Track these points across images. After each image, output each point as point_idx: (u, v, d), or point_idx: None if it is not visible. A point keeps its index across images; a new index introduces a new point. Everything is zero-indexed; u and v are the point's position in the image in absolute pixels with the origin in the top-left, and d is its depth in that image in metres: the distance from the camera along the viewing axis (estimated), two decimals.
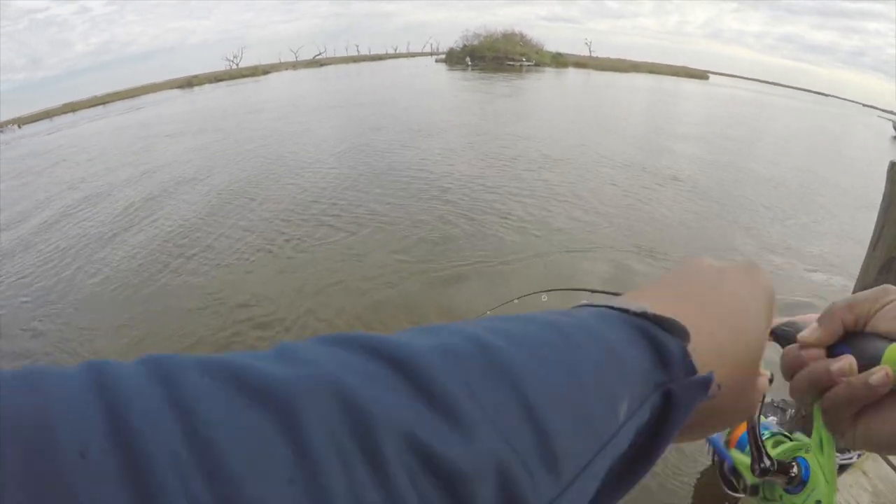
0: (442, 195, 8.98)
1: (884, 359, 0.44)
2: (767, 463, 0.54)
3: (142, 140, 19.25)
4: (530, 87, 31.39)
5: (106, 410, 0.18)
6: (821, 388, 0.49)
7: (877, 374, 0.43)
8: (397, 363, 0.24)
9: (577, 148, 12.78)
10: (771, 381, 0.50)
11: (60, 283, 7.15)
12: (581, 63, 52.94)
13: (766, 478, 0.55)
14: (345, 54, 70.57)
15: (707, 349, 0.38)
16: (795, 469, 0.54)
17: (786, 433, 0.60)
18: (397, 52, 74.24)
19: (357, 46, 72.67)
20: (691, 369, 0.35)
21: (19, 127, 40.98)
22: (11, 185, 15.00)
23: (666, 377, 0.34)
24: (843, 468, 2.17)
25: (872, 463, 2.19)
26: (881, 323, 0.47)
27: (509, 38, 52.10)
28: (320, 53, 68.47)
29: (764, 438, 0.58)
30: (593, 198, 8.83)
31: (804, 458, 0.53)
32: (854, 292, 0.78)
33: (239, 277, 6.65)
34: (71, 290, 6.98)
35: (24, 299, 6.91)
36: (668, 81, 43.51)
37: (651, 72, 51.57)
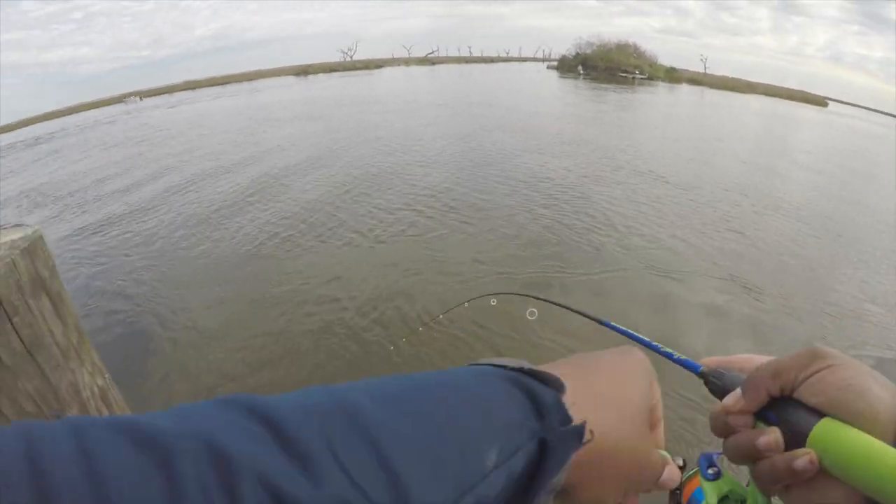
0: (540, 200, 9.07)
1: (809, 440, 0.44)
2: None
3: (257, 122, 20.40)
4: (642, 100, 30.56)
5: (27, 458, 0.22)
6: (749, 457, 0.49)
7: (801, 460, 0.44)
8: (266, 420, 0.29)
9: (683, 167, 12.47)
10: (682, 468, 0.53)
11: (164, 254, 7.63)
12: (695, 79, 50.94)
13: None
14: (456, 54, 71.39)
15: (585, 399, 0.40)
16: None
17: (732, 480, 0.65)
18: (509, 55, 73.94)
19: (469, 47, 73.21)
20: (566, 419, 0.37)
21: (140, 99, 44.69)
22: (130, 153, 16.38)
23: (540, 426, 0.36)
24: None
25: None
26: (808, 394, 0.47)
27: (623, 48, 51.03)
28: (432, 52, 69.59)
29: (710, 482, 0.64)
30: (694, 218, 8.70)
31: None
32: None
33: (331, 263, 6.92)
34: (171, 257, 7.45)
35: (126, 257, 7.50)
36: (784, 105, 40.59)
37: (766, 94, 48.51)
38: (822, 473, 0.43)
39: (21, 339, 0.94)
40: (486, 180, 10.37)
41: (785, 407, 0.48)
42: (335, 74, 53.45)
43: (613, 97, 29.63)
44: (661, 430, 0.48)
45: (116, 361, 4.82)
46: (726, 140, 18.30)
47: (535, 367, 0.40)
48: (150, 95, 47.29)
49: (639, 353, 0.49)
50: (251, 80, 53.93)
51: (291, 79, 51.41)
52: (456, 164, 11.81)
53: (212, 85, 52.17)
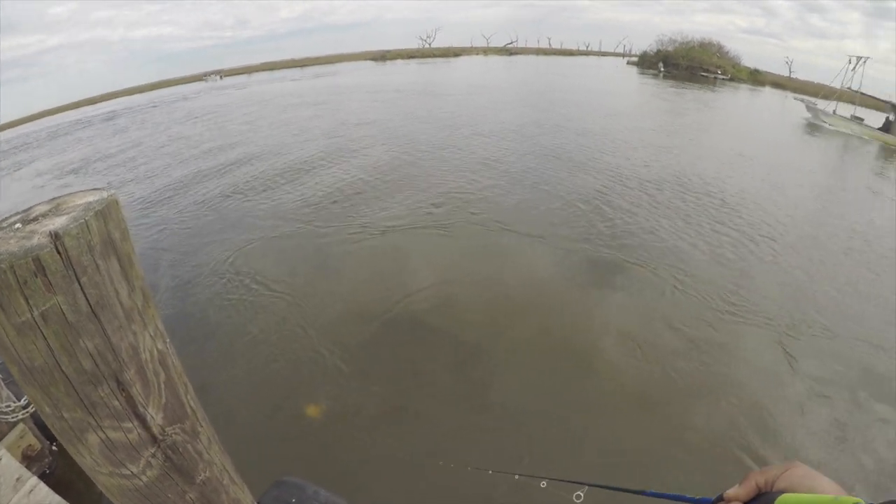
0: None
1: None
2: None
3: (334, 99, 22.85)
4: (724, 101, 29.99)
5: None
6: None
7: None
8: None
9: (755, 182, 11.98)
10: None
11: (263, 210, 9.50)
12: (779, 83, 48.76)
13: None
14: (536, 46, 71.16)
15: None
16: None
17: None
18: (588, 49, 72.33)
19: (549, 39, 72.78)
20: None
21: (221, 78, 47.54)
22: (199, 130, 18.66)
23: None
24: None
25: None
26: (782, 483, 0.67)
27: (706, 47, 50.21)
28: (511, 42, 69.88)
29: None
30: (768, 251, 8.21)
31: None
32: None
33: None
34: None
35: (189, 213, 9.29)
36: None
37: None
38: None
39: (87, 299, 0.96)
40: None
41: (763, 496, 0.69)
42: (412, 61, 54.75)
43: (689, 99, 28.90)
44: None
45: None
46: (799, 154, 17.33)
47: None
48: (230, 74, 50.13)
49: None
50: (330, 63, 55.65)
51: (370, 63, 53.11)
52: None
53: (290, 67, 54.47)
